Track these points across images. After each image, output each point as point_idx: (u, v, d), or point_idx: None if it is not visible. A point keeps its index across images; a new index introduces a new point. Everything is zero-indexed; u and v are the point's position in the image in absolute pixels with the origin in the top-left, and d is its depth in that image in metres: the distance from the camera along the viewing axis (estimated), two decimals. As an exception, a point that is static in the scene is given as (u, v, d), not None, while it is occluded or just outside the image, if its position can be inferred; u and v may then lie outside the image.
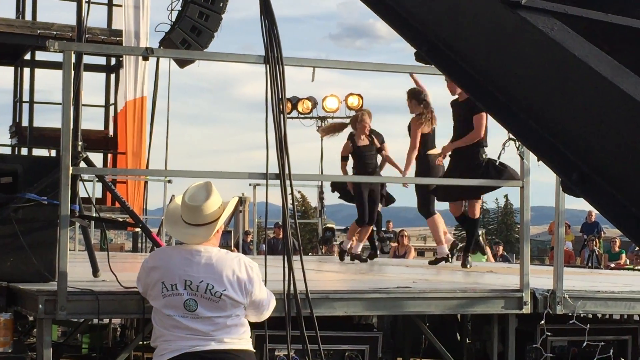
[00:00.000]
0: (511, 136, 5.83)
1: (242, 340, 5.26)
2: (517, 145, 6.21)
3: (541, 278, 7.72)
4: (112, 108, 19.06)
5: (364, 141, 12.08)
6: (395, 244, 20.40)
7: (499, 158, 6.45)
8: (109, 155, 18.57)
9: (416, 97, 11.23)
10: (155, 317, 5.26)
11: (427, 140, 11.18)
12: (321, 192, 22.69)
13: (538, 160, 2.43)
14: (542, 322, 6.70)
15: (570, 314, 6.77)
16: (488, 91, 2.44)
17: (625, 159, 2.05)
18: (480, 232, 11.14)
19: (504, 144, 6.22)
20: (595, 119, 2.10)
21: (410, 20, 2.69)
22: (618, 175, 2.09)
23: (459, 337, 9.01)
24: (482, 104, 2.50)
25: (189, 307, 5.13)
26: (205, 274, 5.16)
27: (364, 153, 12.07)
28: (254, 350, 5.49)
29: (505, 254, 23.02)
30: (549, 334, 6.79)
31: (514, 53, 2.31)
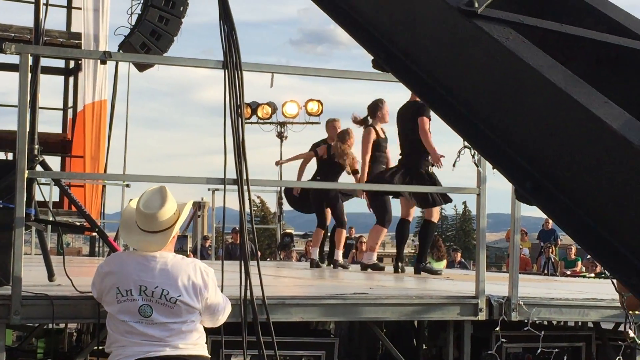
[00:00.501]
0: (467, 144, 5.86)
1: (197, 346, 5.25)
2: (473, 153, 6.24)
3: (497, 285, 7.76)
4: (70, 111, 18.95)
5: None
6: (354, 250, 20.45)
7: (454, 166, 6.48)
8: (67, 159, 18.45)
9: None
10: (109, 322, 5.23)
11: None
12: (280, 198, 22.68)
13: (493, 168, 2.45)
14: (497, 328, 6.75)
15: (525, 321, 6.82)
16: (444, 99, 2.45)
17: (577, 168, 2.07)
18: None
19: (460, 152, 6.26)
20: (549, 128, 2.12)
21: (368, 28, 2.70)
22: (571, 183, 2.11)
23: (415, 343, 9.04)
24: (438, 112, 2.51)
25: (144, 312, 5.11)
26: (160, 279, 5.14)
27: None
28: (209, 356, 5.47)
29: (463, 260, 23.13)
30: (504, 340, 6.84)
31: (470, 62, 2.33)
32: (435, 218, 10.77)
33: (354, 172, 11.97)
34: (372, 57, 2.74)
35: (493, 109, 2.29)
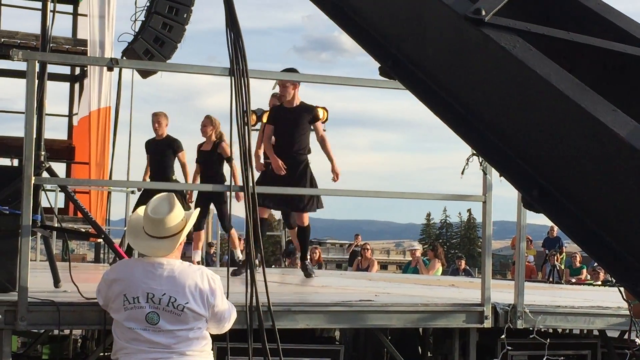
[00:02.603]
0: (474, 152, 5.86)
1: (204, 353, 5.25)
2: (480, 160, 6.25)
3: (502, 292, 7.75)
4: (75, 118, 18.98)
5: (207, 146, 12.21)
6: (359, 258, 20.46)
7: (462, 173, 6.48)
8: (72, 165, 18.47)
9: None
10: (116, 329, 5.23)
11: None
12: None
13: (500, 176, 2.45)
14: (503, 336, 6.73)
15: (530, 329, 6.81)
16: (451, 107, 2.46)
17: (584, 176, 2.07)
18: None
19: (468, 159, 6.26)
20: (556, 135, 2.12)
21: (375, 35, 2.70)
22: (577, 191, 2.11)
23: (420, 351, 9.03)
24: (445, 120, 2.51)
25: (151, 320, 5.11)
26: (167, 286, 5.15)
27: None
28: (215, 363, 5.47)
29: (467, 268, 23.08)
30: (509, 348, 6.83)
31: (476, 69, 2.33)
32: (307, 222, 10.44)
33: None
34: (379, 65, 2.75)
35: (500, 116, 2.29)
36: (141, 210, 5.47)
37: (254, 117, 23.61)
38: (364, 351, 9.39)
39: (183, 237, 5.36)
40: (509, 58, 2.19)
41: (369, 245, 21.32)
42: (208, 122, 12.15)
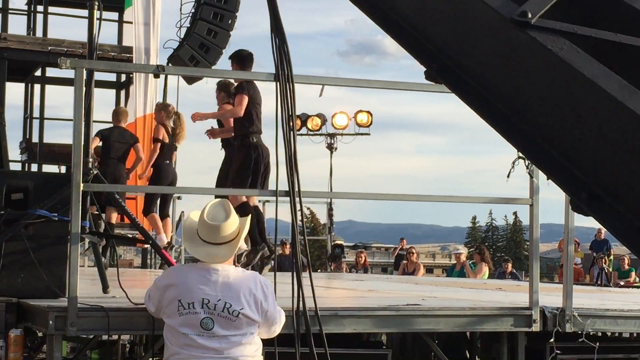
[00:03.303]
0: (520, 154, 5.83)
1: (255, 358, 5.28)
2: (527, 163, 6.21)
3: (550, 296, 7.71)
4: (121, 125, 19.13)
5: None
6: (405, 262, 20.45)
7: (508, 177, 6.44)
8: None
9: (226, 90, 10.24)
10: (168, 334, 5.25)
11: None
12: (330, 209, 22.76)
13: (547, 179, 2.44)
14: (552, 340, 6.69)
15: (579, 332, 6.76)
16: (498, 110, 2.45)
17: (633, 178, 2.06)
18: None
19: (514, 163, 6.22)
20: (604, 138, 2.11)
21: (421, 39, 2.70)
22: (627, 194, 2.10)
23: (468, 355, 8.99)
24: (492, 123, 2.51)
25: (206, 325, 5.14)
26: (222, 292, 5.17)
27: None
28: (265, 368, 5.49)
29: (514, 271, 22.95)
30: (558, 352, 6.79)
31: (523, 72, 2.32)
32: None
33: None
34: (424, 68, 2.75)
35: (548, 119, 2.28)
36: (194, 215, 5.50)
37: (298, 121, 23.69)
38: (411, 355, 9.36)
39: (240, 244, 5.40)
40: (555, 60, 2.18)
41: (415, 248, 21.29)
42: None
